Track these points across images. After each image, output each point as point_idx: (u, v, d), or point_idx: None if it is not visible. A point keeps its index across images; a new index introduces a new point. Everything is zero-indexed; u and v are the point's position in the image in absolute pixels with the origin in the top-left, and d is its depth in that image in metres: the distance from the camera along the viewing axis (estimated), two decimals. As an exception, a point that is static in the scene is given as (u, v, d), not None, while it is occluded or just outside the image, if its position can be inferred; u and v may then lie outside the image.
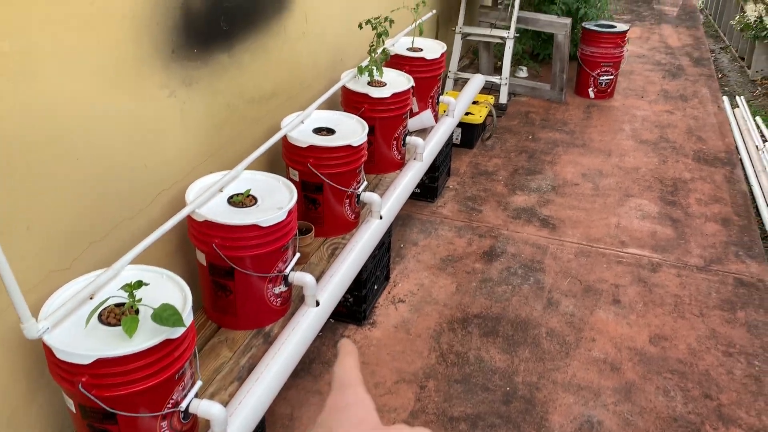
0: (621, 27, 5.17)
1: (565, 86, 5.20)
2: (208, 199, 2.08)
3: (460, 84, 5.25)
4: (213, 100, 2.31)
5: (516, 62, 5.88)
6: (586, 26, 5.14)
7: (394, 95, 3.03)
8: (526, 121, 4.85)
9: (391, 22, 3.10)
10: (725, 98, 5.41)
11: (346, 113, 2.80)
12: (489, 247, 3.34)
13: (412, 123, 3.64)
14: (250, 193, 2.15)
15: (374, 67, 3.08)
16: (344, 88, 3.08)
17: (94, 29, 1.75)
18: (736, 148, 4.54)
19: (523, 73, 5.77)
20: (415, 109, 3.66)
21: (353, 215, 2.72)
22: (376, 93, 3.00)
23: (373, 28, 3.03)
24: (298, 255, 2.24)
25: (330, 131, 2.65)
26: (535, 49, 5.96)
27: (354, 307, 2.75)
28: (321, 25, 3.06)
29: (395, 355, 2.63)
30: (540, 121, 4.85)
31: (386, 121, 3.08)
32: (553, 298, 2.97)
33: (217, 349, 2.12)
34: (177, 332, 1.56)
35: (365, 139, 2.61)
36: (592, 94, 5.28)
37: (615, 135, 4.65)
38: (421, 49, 3.65)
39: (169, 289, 1.70)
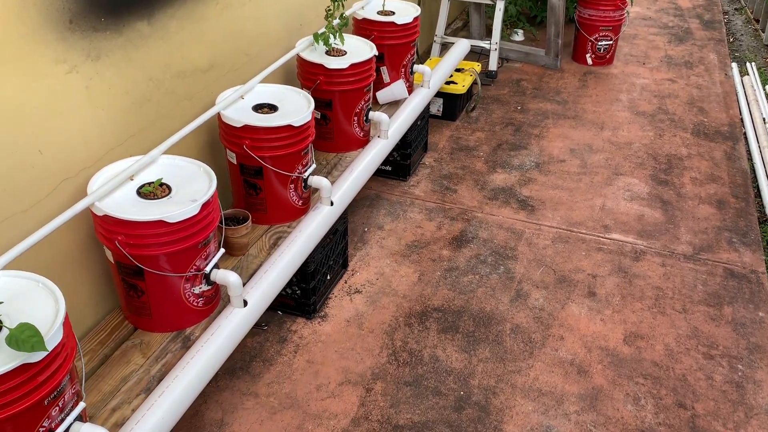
0: (622, -13, 4.79)
1: (561, 52, 4.86)
2: (114, 189, 1.85)
3: (448, 49, 4.93)
4: (130, 74, 2.06)
5: (511, 25, 5.53)
6: (585, -13, 4.77)
7: (353, 66, 2.76)
8: (516, 90, 4.54)
9: (350, -16, 2.81)
10: (734, 65, 5.04)
11: (292, 87, 2.53)
12: (459, 231, 3.10)
13: (383, 95, 3.37)
14: (164, 181, 1.92)
15: (331, 34, 2.80)
16: (299, 58, 2.81)
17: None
18: (741, 120, 4.22)
19: (518, 36, 5.42)
20: (387, 79, 3.38)
21: (300, 201, 2.48)
22: (333, 63, 2.73)
23: (329, -9, 2.75)
24: (221, 251, 2.01)
25: (273, 108, 2.39)
26: (532, 11, 5.59)
27: (302, 300, 2.54)
28: (272, -12, 2.77)
29: (343, 353, 2.42)
30: (531, 90, 4.54)
31: (345, 94, 2.82)
32: (523, 290, 2.73)
33: (129, 354, 1.92)
34: (36, 356, 1.35)
35: (309, 117, 2.35)
36: (589, 61, 4.93)
37: (610, 106, 4.34)
38: (393, 13, 3.35)
39: (42, 299, 1.48)
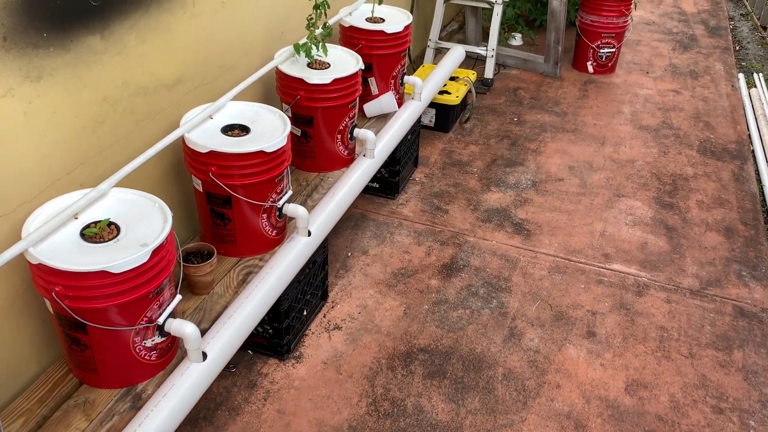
0: (627, -8, 4.57)
1: (561, 59, 4.63)
2: (53, 231, 1.62)
3: (442, 54, 4.70)
4: (79, 95, 1.83)
5: (509, 28, 5.30)
6: (587, -9, 4.54)
7: (337, 81, 2.53)
8: (513, 100, 4.31)
9: (335, -9, 2.57)
10: (741, 75, 4.83)
11: (267, 106, 2.30)
12: (450, 258, 2.88)
13: (371, 108, 3.15)
14: (112, 221, 1.69)
15: (313, 45, 2.57)
16: (278, 71, 2.58)
17: None
18: (749, 137, 4.01)
19: (516, 41, 5.19)
20: (375, 91, 3.16)
21: (274, 231, 2.26)
22: (314, 78, 2.50)
23: (311, -1, 2.51)
24: (178, 298, 1.79)
25: (244, 129, 2.16)
26: (531, 14, 5.36)
27: (274, 340, 2.32)
28: (249, -6, 2.53)
29: (318, 402, 2.20)
30: (529, 100, 4.31)
31: (328, 111, 2.59)
32: (517, 328, 2.52)
33: (69, 416, 1.69)
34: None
35: (284, 142, 2.12)
36: (590, 69, 4.71)
37: (612, 119, 4.12)
38: (383, 20, 3.12)
39: (-49, 376, 1.26)
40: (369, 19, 3.10)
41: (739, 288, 2.76)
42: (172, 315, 1.77)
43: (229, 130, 2.15)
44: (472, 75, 4.04)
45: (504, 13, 4.97)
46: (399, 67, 3.16)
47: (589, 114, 4.16)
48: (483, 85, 4.39)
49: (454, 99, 3.77)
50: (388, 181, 3.24)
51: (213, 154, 2.01)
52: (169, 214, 1.71)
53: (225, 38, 2.44)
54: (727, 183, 3.50)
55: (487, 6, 4.33)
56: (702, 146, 3.84)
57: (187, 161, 2.11)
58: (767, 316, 2.62)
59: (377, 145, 2.81)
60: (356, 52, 3.00)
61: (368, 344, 2.42)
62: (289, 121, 2.20)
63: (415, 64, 4.50)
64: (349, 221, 3.08)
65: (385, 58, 3.06)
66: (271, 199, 2.16)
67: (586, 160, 3.65)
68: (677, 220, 3.18)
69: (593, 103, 4.31)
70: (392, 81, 3.16)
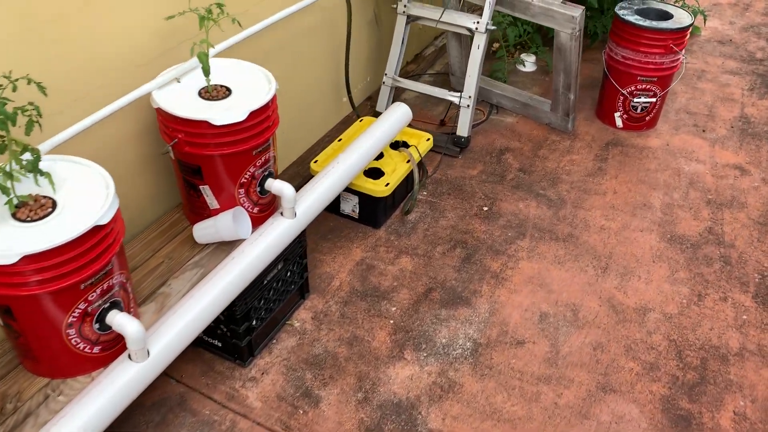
0: (682, 18, 3.12)
1: (574, 109, 3.26)
2: None
3: (403, 95, 3.46)
4: None
5: (521, 47, 3.93)
6: (621, 14, 3.12)
7: (26, 261, 1.37)
8: (493, 171, 3.02)
9: (42, 87, 1.38)
10: None
11: None
12: None
13: (203, 233, 1.99)
14: None
15: (20, 177, 1.40)
16: (-51, 223, 1.44)
17: None
18: (844, 265, 2.60)
19: (527, 66, 3.83)
20: (214, 205, 1.99)
21: None
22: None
23: (-25, 109, 1.33)
24: None
25: None
26: (550, 30, 3.95)
27: None
28: None
29: None
30: (516, 173, 3.01)
31: (35, 299, 1.45)
32: None
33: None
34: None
35: None
36: (619, 122, 3.32)
37: (631, 217, 2.77)
38: (229, 92, 1.92)
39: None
40: (204, 93, 1.90)
41: None
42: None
43: None
44: (424, 142, 2.77)
45: (490, 42, 3.63)
46: (253, 168, 1.96)
47: (598, 205, 2.83)
48: (455, 145, 3.10)
49: (382, 189, 2.53)
50: (231, 343, 2.09)
51: None
52: None
53: None
54: (795, 372, 2.15)
55: (467, 33, 3.00)
56: (763, 286, 2.47)
57: None
58: None
59: (154, 343, 1.64)
60: (174, 147, 1.84)
61: None
62: None
63: (367, 104, 3.25)
64: (154, 412, 1.96)
65: (224, 158, 1.88)
66: None
67: (570, 303, 2.37)
68: (693, 458, 1.90)
69: (610, 184, 2.96)
70: (242, 189, 1.98)
